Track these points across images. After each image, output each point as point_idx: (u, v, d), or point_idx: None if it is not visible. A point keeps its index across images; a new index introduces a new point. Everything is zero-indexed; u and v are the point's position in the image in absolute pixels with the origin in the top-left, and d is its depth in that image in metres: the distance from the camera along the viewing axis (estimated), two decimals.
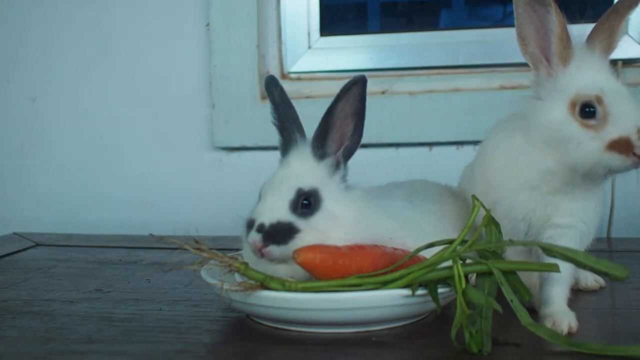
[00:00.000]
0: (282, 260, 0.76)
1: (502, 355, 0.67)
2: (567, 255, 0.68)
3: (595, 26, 0.84)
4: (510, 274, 0.71)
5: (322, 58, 1.60)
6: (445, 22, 1.70)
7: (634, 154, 0.74)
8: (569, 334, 0.73)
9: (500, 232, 0.76)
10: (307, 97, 1.54)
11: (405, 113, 1.48)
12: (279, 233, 0.75)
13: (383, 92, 1.51)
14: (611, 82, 0.79)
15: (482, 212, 0.75)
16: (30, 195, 1.69)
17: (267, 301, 0.73)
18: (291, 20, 1.61)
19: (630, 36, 1.47)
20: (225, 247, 0.88)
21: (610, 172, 0.77)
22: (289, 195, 0.77)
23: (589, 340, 0.68)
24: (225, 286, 0.72)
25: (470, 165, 0.97)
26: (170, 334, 0.76)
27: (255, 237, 0.75)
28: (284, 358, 0.68)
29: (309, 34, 1.61)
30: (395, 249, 0.79)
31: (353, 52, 1.60)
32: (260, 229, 0.75)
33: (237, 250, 0.87)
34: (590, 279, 0.94)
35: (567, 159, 0.77)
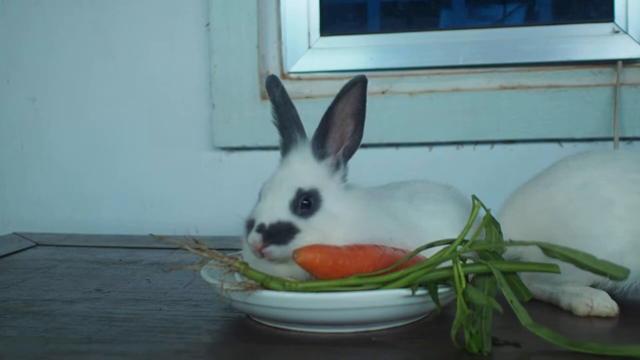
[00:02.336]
0: (282, 260, 0.76)
1: (502, 355, 0.67)
2: (566, 256, 0.68)
3: None
4: (510, 274, 0.71)
5: (322, 58, 1.60)
6: (445, 22, 1.70)
7: None
8: None
9: (500, 232, 0.76)
10: (307, 97, 1.54)
11: (405, 113, 1.48)
12: (279, 233, 0.75)
13: (383, 92, 1.51)
14: None
15: (482, 212, 0.75)
16: (30, 195, 1.69)
17: (267, 301, 0.73)
18: (291, 20, 1.61)
19: (630, 36, 1.47)
20: (225, 247, 0.88)
21: None
22: (289, 195, 0.77)
23: (589, 340, 0.68)
24: (225, 286, 0.72)
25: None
26: (170, 334, 0.76)
27: (255, 237, 0.75)
28: (284, 358, 0.68)
29: (309, 34, 1.61)
30: (395, 249, 0.79)
31: (353, 52, 1.60)
32: (260, 229, 0.75)
33: (237, 250, 0.87)
34: None
35: None
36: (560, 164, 0.94)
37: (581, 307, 0.81)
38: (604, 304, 0.81)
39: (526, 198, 0.93)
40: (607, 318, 0.80)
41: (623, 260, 0.81)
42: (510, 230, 0.89)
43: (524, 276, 0.81)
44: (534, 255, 0.83)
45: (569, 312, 0.83)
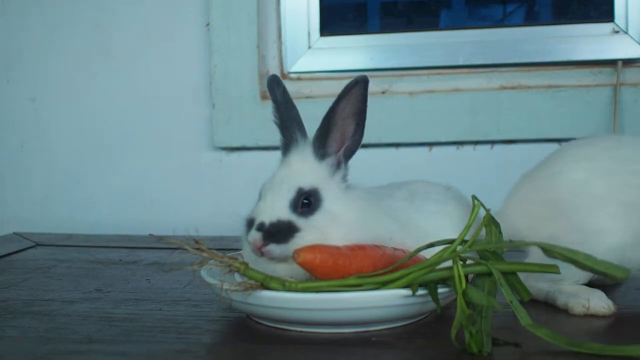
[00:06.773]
0: (282, 259, 0.76)
1: (502, 355, 0.67)
2: (567, 256, 0.68)
3: None
4: (509, 275, 0.71)
5: (322, 58, 1.60)
6: (445, 22, 1.70)
7: None
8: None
9: (500, 232, 0.76)
10: (307, 97, 1.54)
11: (405, 113, 1.48)
12: (279, 232, 0.75)
13: (383, 92, 1.51)
14: None
15: (483, 212, 0.75)
16: (30, 195, 1.68)
17: (267, 301, 0.73)
18: (291, 20, 1.61)
19: (630, 36, 1.47)
20: (225, 247, 0.88)
21: None
22: (289, 194, 0.77)
23: (589, 340, 0.68)
24: (225, 286, 0.72)
25: None
26: (170, 334, 0.76)
27: (255, 235, 0.75)
28: (284, 358, 0.68)
29: (309, 34, 1.61)
30: (395, 249, 0.79)
31: (353, 52, 1.60)
32: (260, 227, 0.75)
33: (237, 250, 0.87)
34: None
35: None
36: (567, 152, 0.92)
37: (577, 308, 0.81)
38: (601, 304, 0.81)
39: (531, 186, 0.92)
40: (604, 317, 0.80)
41: (624, 255, 0.81)
42: (514, 218, 0.89)
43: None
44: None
45: (567, 312, 0.83)
